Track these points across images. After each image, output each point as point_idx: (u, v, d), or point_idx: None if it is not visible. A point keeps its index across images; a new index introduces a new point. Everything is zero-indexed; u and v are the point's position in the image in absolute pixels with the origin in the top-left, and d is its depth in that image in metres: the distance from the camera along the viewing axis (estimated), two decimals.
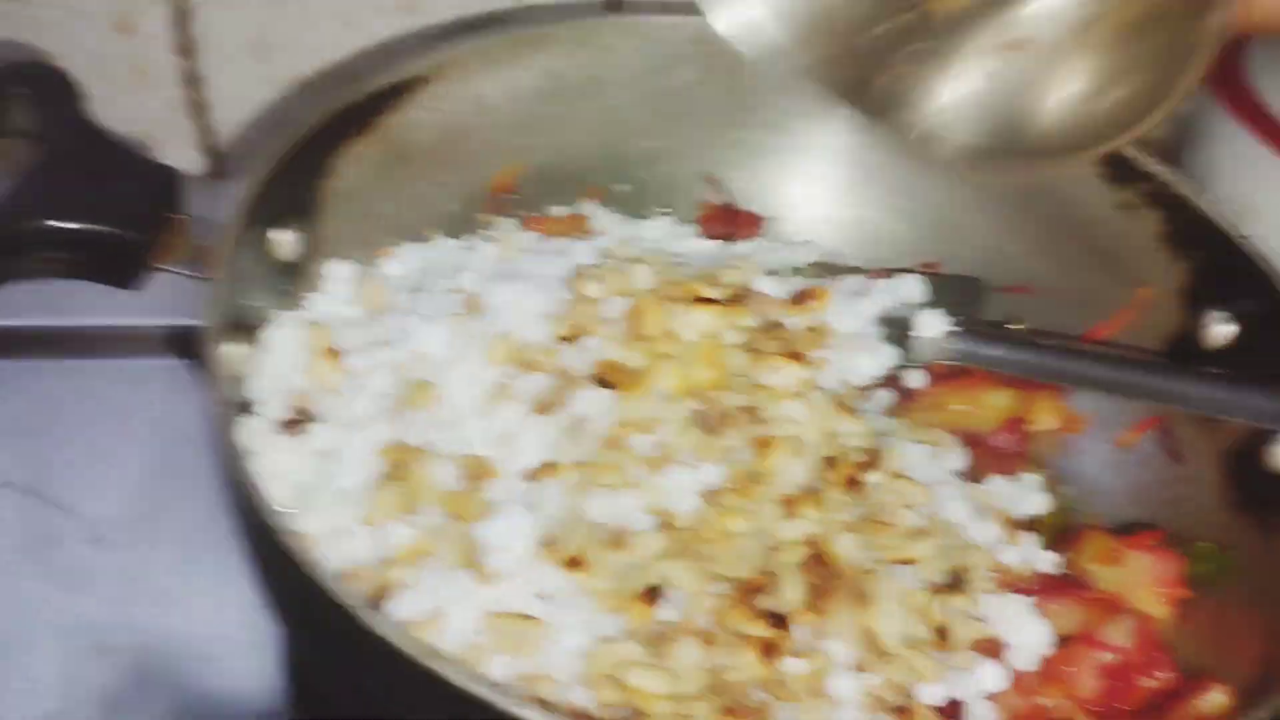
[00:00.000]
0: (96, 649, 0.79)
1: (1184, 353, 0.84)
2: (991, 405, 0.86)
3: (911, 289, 0.87)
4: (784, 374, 0.74)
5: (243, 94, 1.18)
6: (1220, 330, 0.81)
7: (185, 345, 0.95)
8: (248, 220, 0.71)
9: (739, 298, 0.77)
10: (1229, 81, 1.09)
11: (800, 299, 0.80)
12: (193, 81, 1.18)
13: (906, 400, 0.86)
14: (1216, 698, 0.66)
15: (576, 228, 0.94)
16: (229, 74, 1.16)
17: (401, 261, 0.86)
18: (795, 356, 0.75)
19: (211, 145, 1.21)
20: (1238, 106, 1.06)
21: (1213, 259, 0.83)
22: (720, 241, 0.94)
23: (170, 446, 0.91)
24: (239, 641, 0.80)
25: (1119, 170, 0.87)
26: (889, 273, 0.91)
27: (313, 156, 0.79)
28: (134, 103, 1.16)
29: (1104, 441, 0.89)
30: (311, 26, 1.14)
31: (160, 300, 0.74)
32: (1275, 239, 1.03)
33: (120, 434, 0.92)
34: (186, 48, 1.15)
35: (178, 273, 0.70)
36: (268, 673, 0.79)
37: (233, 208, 0.70)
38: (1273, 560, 0.73)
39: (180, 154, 1.21)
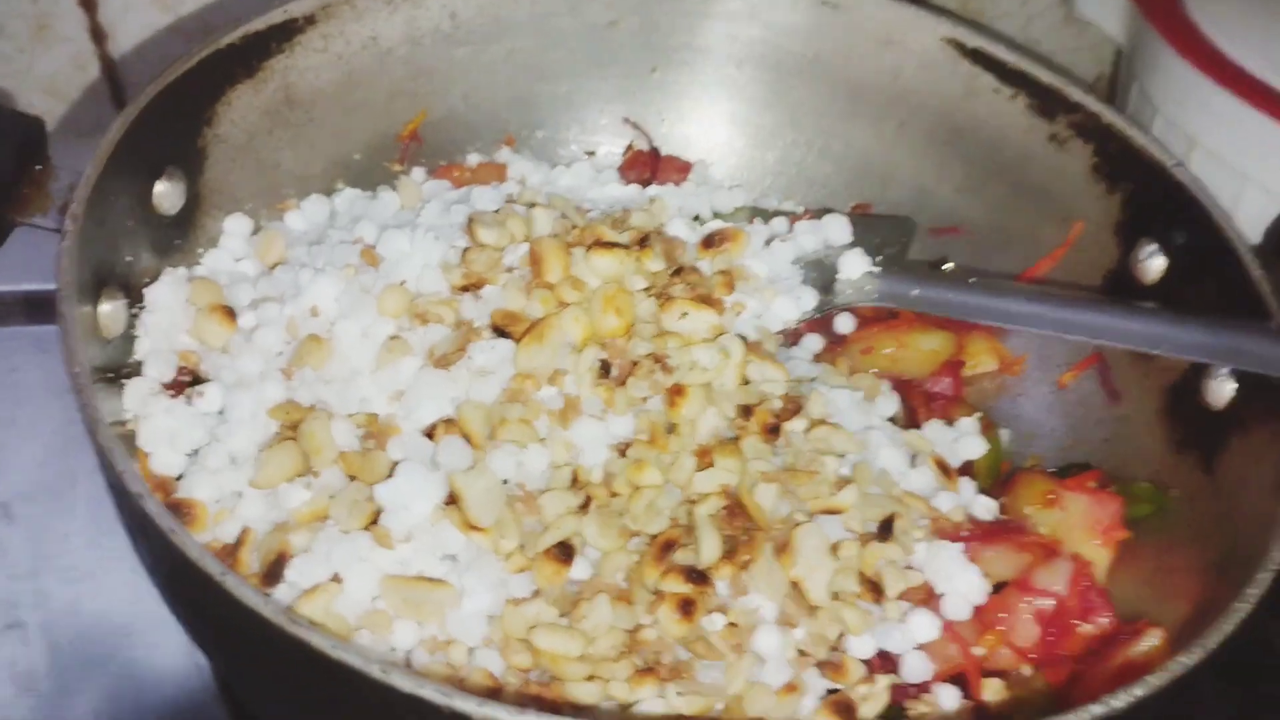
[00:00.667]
0: (10, 625, 0.76)
1: (1119, 287, 0.82)
2: (923, 348, 0.82)
3: (837, 229, 0.84)
4: (694, 319, 0.70)
5: (150, 46, 1.13)
6: (1154, 263, 0.78)
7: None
8: (117, 167, 0.66)
9: (646, 240, 0.73)
10: (1168, 12, 1.07)
11: (712, 242, 0.76)
12: (98, 36, 1.12)
13: (836, 345, 0.83)
14: (1151, 641, 0.64)
15: (492, 176, 0.90)
16: (135, 25, 1.11)
17: (305, 214, 0.82)
18: (707, 301, 0.71)
19: (123, 101, 1.16)
20: (1176, 36, 1.04)
21: (1145, 190, 0.80)
22: (641, 187, 0.90)
23: (75, 414, 0.86)
24: (156, 615, 0.75)
25: (1047, 102, 0.84)
26: (816, 214, 0.88)
27: (190, 102, 0.74)
28: (40, 59, 1.11)
29: (1043, 383, 0.86)
30: None
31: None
32: (1214, 166, 1.01)
33: (24, 403, 0.88)
34: (88, 1, 1.10)
35: (40, 227, 0.65)
36: (187, 646, 0.75)
37: (95, 154, 0.65)
38: (1213, 499, 0.71)
39: (92, 112, 1.16)
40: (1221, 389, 0.71)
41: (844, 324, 0.83)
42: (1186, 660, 0.51)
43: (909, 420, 0.81)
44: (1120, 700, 0.50)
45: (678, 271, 0.72)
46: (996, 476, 0.79)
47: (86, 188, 0.62)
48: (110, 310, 0.66)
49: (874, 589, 0.67)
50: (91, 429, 0.53)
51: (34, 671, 0.75)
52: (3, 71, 1.14)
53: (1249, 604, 0.55)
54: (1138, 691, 0.50)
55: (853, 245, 0.83)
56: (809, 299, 0.78)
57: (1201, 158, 1.02)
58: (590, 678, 0.60)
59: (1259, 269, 0.71)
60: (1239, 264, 0.71)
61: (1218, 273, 0.73)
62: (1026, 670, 0.68)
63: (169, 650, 0.76)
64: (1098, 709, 0.49)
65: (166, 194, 0.72)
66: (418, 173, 0.89)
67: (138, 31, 1.12)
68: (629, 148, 0.97)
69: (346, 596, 0.61)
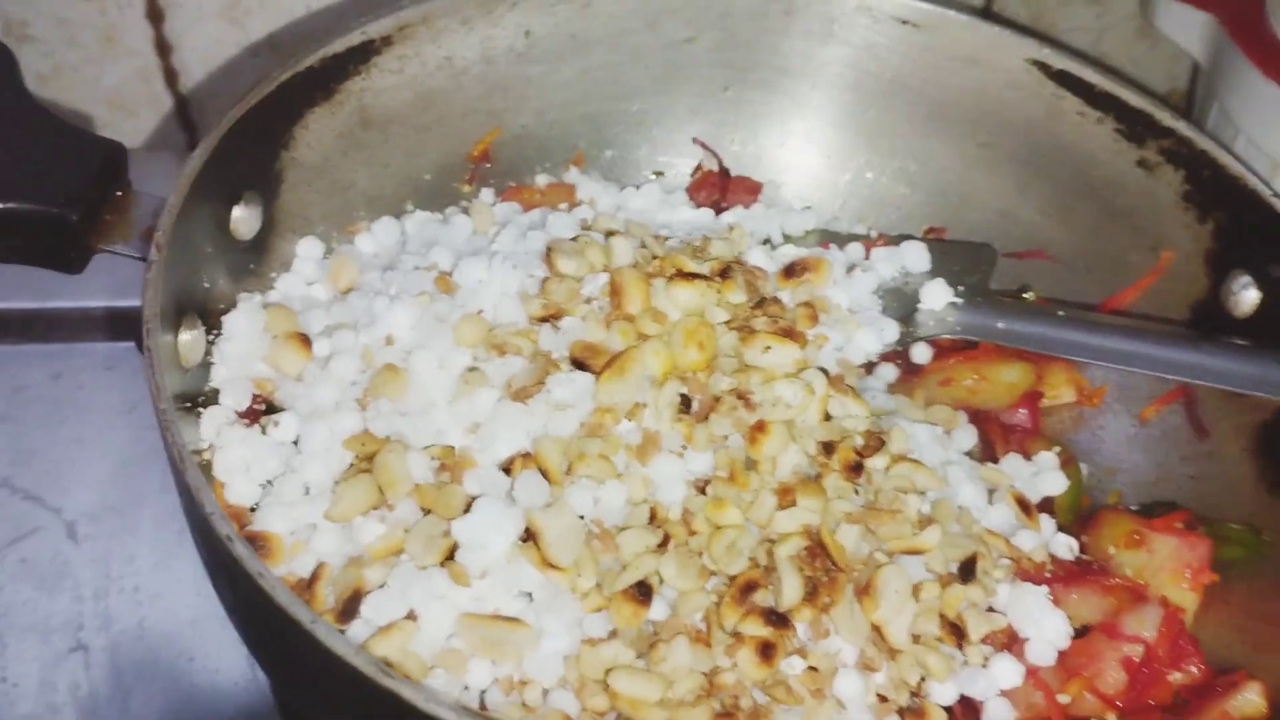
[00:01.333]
0: (74, 648, 0.76)
1: (1209, 320, 0.79)
2: (1003, 380, 0.81)
3: (916, 257, 0.82)
4: (778, 354, 0.69)
5: (215, 59, 1.13)
6: (1247, 296, 0.76)
7: (133, 328, 0.91)
8: (198, 194, 0.66)
9: (727, 271, 0.71)
10: (1252, 29, 1.04)
11: (793, 271, 0.75)
12: (163, 49, 1.13)
13: (911, 376, 0.81)
14: (1251, 698, 0.62)
15: (561, 197, 0.89)
16: (200, 39, 1.11)
17: (375, 237, 0.81)
18: (789, 334, 0.69)
19: (187, 115, 1.17)
20: (1260, 55, 1.01)
21: (1239, 218, 0.77)
22: (712, 210, 0.89)
23: (142, 433, 0.87)
24: (219, 637, 0.77)
25: (1137, 126, 0.82)
26: (892, 240, 0.86)
27: (269, 125, 0.74)
28: (105, 70, 1.12)
29: (1124, 415, 0.84)
30: None
31: (129, 281, 0.69)
32: None
33: (92, 421, 0.88)
34: (156, 13, 1.10)
35: (121, 253, 0.65)
36: (250, 668, 0.76)
37: (179, 181, 0.65)
38: None
39: (155, 124, 1.17)
40: None
41: (920, 354, 0.81)
42: None
43: (985, 454, 0.80)
44: None
45: (759, 303, 0.71)
46: (1077, 514, 0.78)
47: (170, 215, 0.62)
48: (189, 339, 0.66)
49: (956, 632, 0.66)
50: (179, 467, 0.53)
51: (96, 695, 0.75)
52: (70, 82, 1.15)
53: None
54: None
55: (933, 273, 0.81)
56: (891, 331, 0.76)
57: None
58: None
59: None
60: None
61: None
62: (1112, 719, 0.66)
63: (232, 674, 0.77)
64: None
65: (244, 219, 0.72)
66: (486, 194, 0.89)
67: (204, 46, 1.12)
68: (698, 168, 0.96)
69: (422, 634, 0.60)
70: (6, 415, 0.87)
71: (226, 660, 0.76)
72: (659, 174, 0.95)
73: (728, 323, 0.70)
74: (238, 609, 0.57)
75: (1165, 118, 0.81)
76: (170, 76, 1.15)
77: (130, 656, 0.76)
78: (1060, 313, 0.76)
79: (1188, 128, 0.80)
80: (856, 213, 0.95)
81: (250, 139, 0.72)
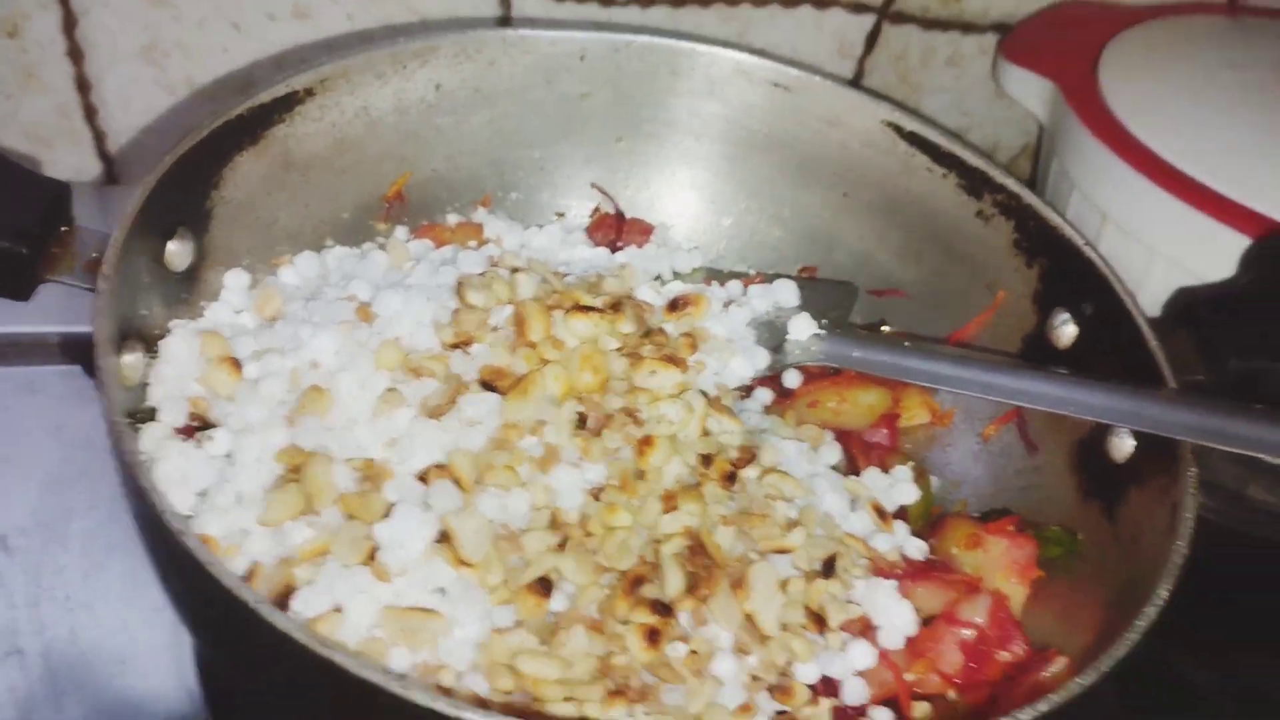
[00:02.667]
0: (9, 652, 0.80)
1: (1037, 350, 0.91)
2: (863, 403, 0.91)
3: (786, 293, 0.92)
4: (662, 377, 0.78)
5: (134, 98, 1.18)
6: (1066, 330, 0.88)
7: (81, 352, 0.95)
8: (137, 230, 0.72)
9: (619, 305, 0.80)
10: (1085, 95, 1.17)
11: (676, 306, 0.84)
12: (82, 85, 1.17)
13: (784, 398, 0.91)
14: (1056, 666, 0.72)
15: (469, 235, 0.97)
16: (120, 78, 1.16)
17: (297, 270, 0.88)
18: (672, 360, 0.79)
19: (104, 149, 1.21)
20: (1092, 119, 1.14)
21: (1059, 264, 0.89)
22: (608, 249, 0.98)
23: (70, 451, 0.92)
24: (148, 644, 0.82)
25: (974, 182, 0.94)
26: (768, 278, 0.97)
27: (202, 168, 0.81)
28: (24, 106, 1.16)
29: (969, 434, 0.95)
30: (203, 31, 1.15)
31: (54, 307, 0.76)
32: (1126, 240, 1.12)
33: (20, 440, 0.93)
34: (75, 52, 1.15)
35: (67, 283, 0.71)
36: (178, 674, 0.81)
37: (121, 218, 0.71)
38: (1113, 542, 0.80)
39: (73, 157, 1.21)
40: (1122, 445, 0.80)
41: (791, 379, 0.92)
42: (1083, 680, 0.60)
43: (849, 468, 0.90)
44: (1025, 715, 0.58)
45: (647, 333, 0.80)
46: (927, 520, 0.88)
47: (115, 249, 0.68)
48: (131, 361, 0.72)
49: (818, 621, 0.75)
50: (132, 473, 0.59)
51: (33, 696, 0.79)
52: None
53: (1137, 633, 0.63)
54: (1041, 708, 0.58)
55: (800, 308, 0.91)
56: (762, 358, 0.86)
57: (1113, 232, 1.12)
58: (567, 699, 0.67)
59: (1155, 340, 0.80)
60: (1139, 335, 0.81)
61: (1121, 341, 0.83)
62: (951, 694, 0.77)
63: (161, 678, 0.81)
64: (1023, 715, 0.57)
65: (178, 252, 0.79)
66: (400, 231, 0.97)
67: (122, 84, 1.17)
68: (596, 210, 1.05)
69: (347, 625, 0.67)
70: None
71: (157, 664, 0.81)
72: (560, 215, 1.04)
73: (619, 350, 0.79)
74: (187, 599, 0.63)
75: (998, 175, 0.93)
76: (89, 112, 1.19)
77: (63, 660, 0.80)
78: (906, 343, 0.87)
79: (1016, 185, 0.92)
80: (738, 253, 1.06)
81: (185, 180, 0.78)
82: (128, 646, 0.82)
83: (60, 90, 1.18)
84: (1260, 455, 0.71)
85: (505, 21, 1.18)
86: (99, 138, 1.22)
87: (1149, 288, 1.10)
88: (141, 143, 1.21)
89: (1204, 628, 1.03)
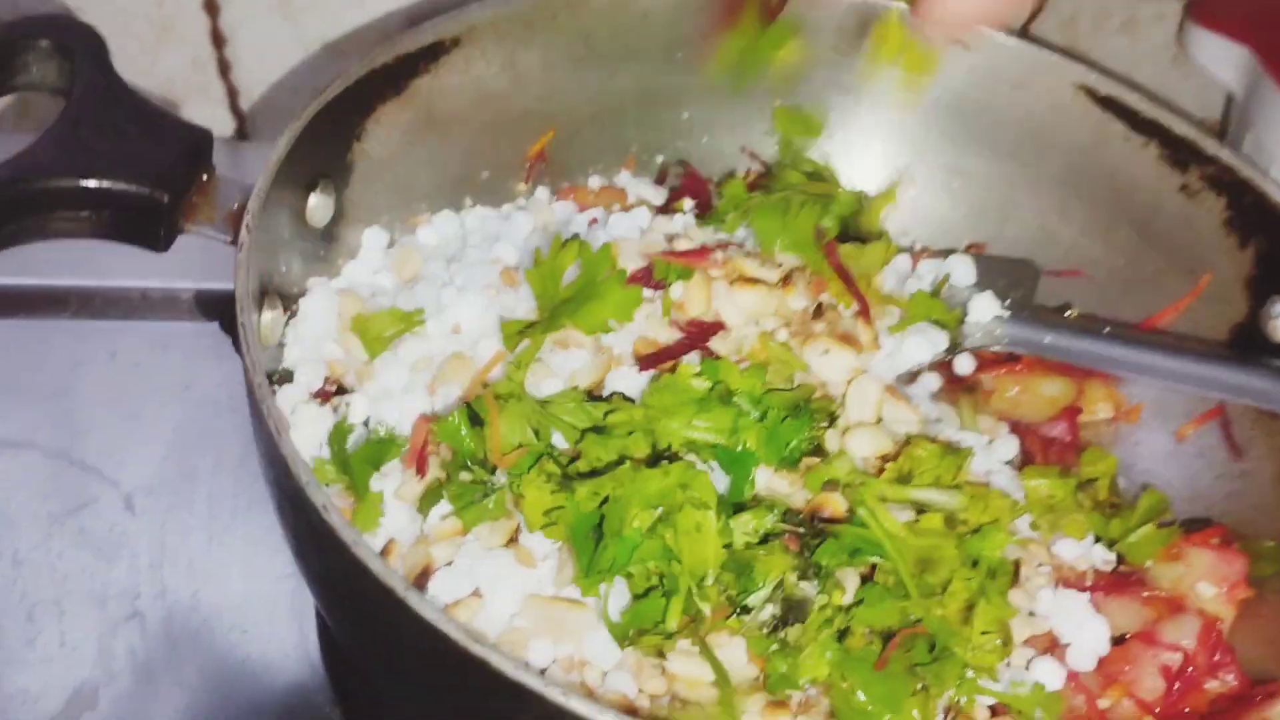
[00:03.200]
0: (130, 615, 0.78)
1: (1247, 344, 0.81)
2: (1045, 394, 0.83)
3: (962, 270, 0.84)
4: (835, 358, 0.71)
5: (267, 53, 1.15)
6: None
7: (214, 308, 0.93)
8: (281, 181, 0.68)
9: (789, 277, 0.73)
10: None
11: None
12: (218, 39, 1.15)
13: (954, 384, 0.83)
14: None
15: (614, 199, 0.91)
16: (254, 33, 1.13)
17: (436, 229, 0.84)
18: (846, 340, 0.72)
19: (236, 104, 1.19)
20: None
21: (1278, 246, 0.79)
22: None
23: (198, 411, 0.89)
24: (270, 610, 0.80)
25: (1179, 153, 0.84)
26: (940, 253, 0.89)
27: (345, 118, 0.76)
28: (159, 59, 1.14)
29: (1161, 432, 0.86)
30: None
31: (188, 262, 0.72)
32: None
33: (148, 398, 0.90)
34: (212, 5, 1.13)
35: (207, 235, 0.67)
36: (300, 643, 0.78)
37: (262, 169, 0.67)
38: None
39: (205, 111, 1.19)
40: None
41: (963, 365, 0.83)
42: None
43: (1026, 464, 0.82)
44: None
45: (818, 310, 0.73)
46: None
47: (258, 200, 0.64)
48: (270, 319, 0.68)
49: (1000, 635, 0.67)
50: (274, 440, 0.55)
51: (151, 661, 0.77)
52: (126, 70, 1.18)
53: None
54: None
55: (979, 287, 0.83)
56: (940, 340, 0.78)
57: None
58: (721, 706, 0.61)
59: None
60: None
61: None
62: None
63: (283, 646, 0.78)
64: None
65: (319, 206, 0.74)
66: (541, 192, 0.91)
67: (257, 40, 1.15)
68: (747, 173, 0.98)
69: (486, 612, 0.62)
70: (66, 389, 0.89)
71: (278, 633, 0.78)
72: (712, 181, 0.97)
73: (786, 326, 0.72)
74: (325, 578, 0.59)
75: (1209, 146, 0.83)
76: (223, 67, 1.17)
77: (185, 626, 0.78)
78: (1105, 329, 0.78)
79: (1231, 156, 0.82)
80: (900, 226, 0.97)
81: (327, 130, 0.74)
82: (249, 613, 0.79)
83: (196, 43, 1.16)
84: None
85: None
86: (232, 93, 1.20)
87: None
88: (274, 99, 1.18)
89: None
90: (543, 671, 0.62)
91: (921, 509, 0.65)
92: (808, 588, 0.60)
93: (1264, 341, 0.80)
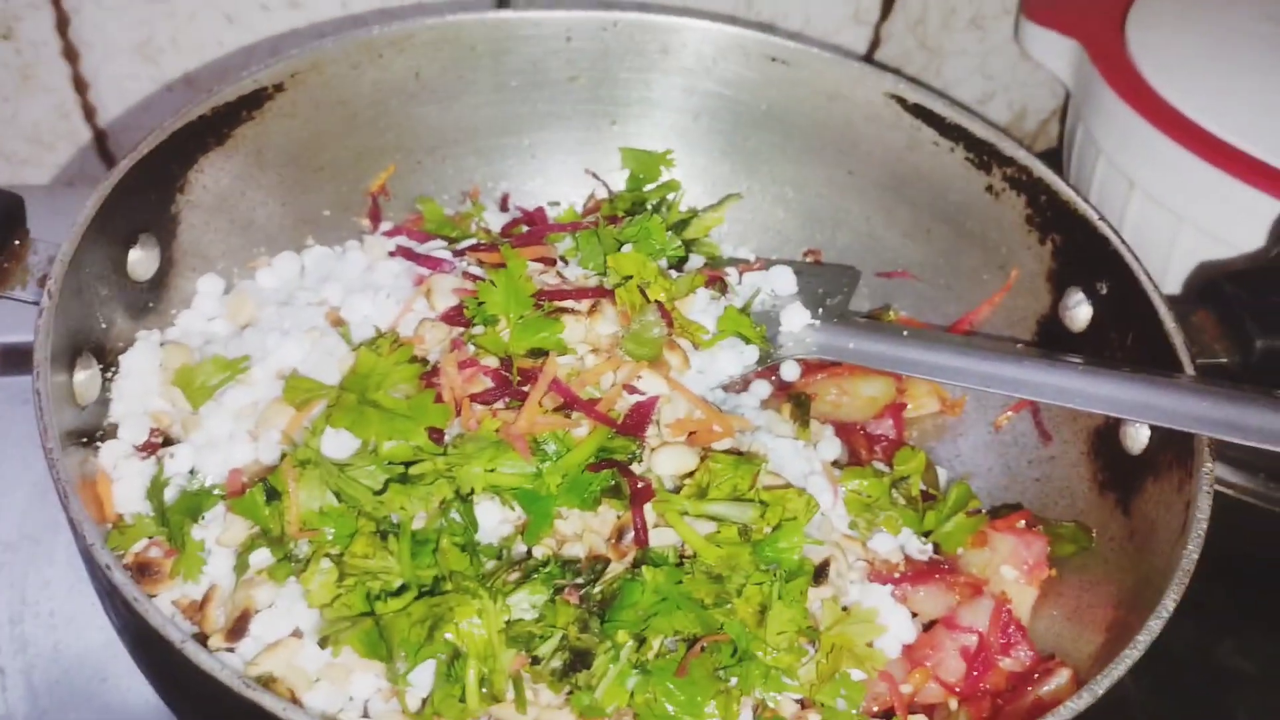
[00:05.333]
0: None
1: (1052, 334, 0.86)
2: (865, 394, 0.87)
3: (783, 281, 0.88)
4: (649, 382, 0.74)
5: (131, 95, 1.17)
6: (1081, 311, 0.82)
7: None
8: (92, 241, 0.70)
9: (596, 306, 0.76)
10: (1112, 56, 1.11)
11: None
12: (80, 85, 1.16)
13: (783, 391, 0.87)
14: (1059, 680, 0.68)
15: (458, 228, 0.94)
16: (116, 75, 1.14)
17: (276, 272, 0.86)
18: (657, 363, 0.75)
19: (105, 148, 1.20)
20: (1119, 80, 1.08)
21: (1073, 240, 0.84)
22: None
23: None
24: (130, 658, 0.79)
25: (983, 155, 0.88)
26: (764, 265, 0.92)
27: (163, 171, 0.78)
28: (23, 108, 1.15)
29: (981, 423, 0.90)
30: (196, 25, 1.13)
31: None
32: (1153, 208, 1.06)
33: (8, 452, 0.91)
34: (70, 51, 1.14)
35: (19, 299, 0.69)
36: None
37: (72, 229, 0.69)
38: (1128, 539, 0.74)
39: (75, 159, 1.20)
40: (1138, 436, 0.75)
41: (790, 372, 0.87)
42: (1075, 705, 0.55)
43: (854, 461, 0.85)
44: None
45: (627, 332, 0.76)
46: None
47: (61, 264, 0.66)
48: (85, 378, 0.70)
49: (811, 630, 0.71)
50: (64, 501, 0.57)
51: (13, 716, 0.78)
52: None
53: (1139, 650, 0.59)
54: None
55: (797, 296, 0.87)
56: (750, 354, 0.82)
57: (1141, 199, 1.06)
58: None
59: (1173, 321, 0.74)
60: (1155, 315, 0.75)
61: (1137, 323, 0.77)
62: (953, 704, 0.72)
63: (143, 693, 0.80)
64: None
65: (141, 260, 0.76)
66: (386, 226, 0.94)
67: (119, 82, 1.16)
68: (590, 197, 1.01)
69: (306, 650, 0.65)
70: None
71: (137, 680, 0.79)
72: (554, 204, 1.00)
73: (593, 351, 0.75)
74: (123, 631, 0.61)
75: (1008, 147, 0.87)
76: (88, 111, 1.18)
77: (45, 678, 0.79)
78: (905, 333, 0.82)
79: (1027, 157, 0.86)
80: (739, 236, 1.01)
81: (144, 185, 0.76)
82: (110, 661, 0.81)
83: (58, 90, 1.17)
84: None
85: (504, 3, 1.14)
86: (100, 137, 1.21)
87: (1177, 259, 1.04)
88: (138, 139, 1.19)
89: (1247, 615, 0.98)
90: (365, 702, 0.65)
91: (720, 521, 0.69)
92: (589, 638, 0.63)
93: (1065, 333, 0.84)
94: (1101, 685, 0.56)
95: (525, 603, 0.64)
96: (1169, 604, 0.60)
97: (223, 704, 0.51)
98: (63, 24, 1.12)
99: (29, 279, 0.69)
